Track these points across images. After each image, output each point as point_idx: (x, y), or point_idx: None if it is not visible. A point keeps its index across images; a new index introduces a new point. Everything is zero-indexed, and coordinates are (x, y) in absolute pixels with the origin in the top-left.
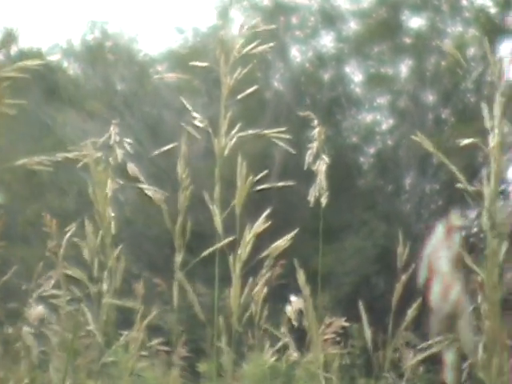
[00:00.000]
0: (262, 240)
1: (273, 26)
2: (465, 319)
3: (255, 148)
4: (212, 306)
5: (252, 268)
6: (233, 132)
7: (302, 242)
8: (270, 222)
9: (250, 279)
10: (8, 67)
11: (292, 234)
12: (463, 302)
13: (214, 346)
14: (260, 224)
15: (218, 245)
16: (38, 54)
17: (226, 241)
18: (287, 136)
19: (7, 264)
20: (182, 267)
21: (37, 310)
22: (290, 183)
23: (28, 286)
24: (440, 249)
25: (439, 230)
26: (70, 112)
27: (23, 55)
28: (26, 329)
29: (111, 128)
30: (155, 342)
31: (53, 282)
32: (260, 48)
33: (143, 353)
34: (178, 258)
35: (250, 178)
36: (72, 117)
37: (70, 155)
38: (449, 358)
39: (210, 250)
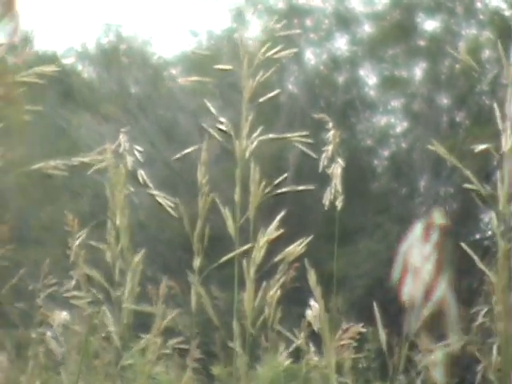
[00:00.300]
0: (277, 242)
1: (296, 31)
2: (451, 318)
3: (270, 151)
4: (226, 309)
5: (266, 272)
6: (254, 135)
7: (316, 244)
8: (283, 229)
9: (264, 283)
10: (24, 72)
11: (307, 239)
12: (448, 301)
13: (227, 349)
14: (273, 229)
15: (237, 251)
16: (53, 58)
17: (245, 247)
18: (309, 140)
19: (19, 267)
20: (199, 271)
21: (61, 316)
22: (309, 187)
23: (35, 286)
24: (416, 246)
25: (418, 227)
26: (84, 115)
27: (38, 59)
28: (49, 333)
29: (121, 136)
30: (174, 341)
31: (73, 282)
32: (283, 53)
33: (161, 355)
34: (196, 262)
35: (264, 182)
36: (87, 120)
37: (85, 159)
38: (437, 356)
39: (228, 256)
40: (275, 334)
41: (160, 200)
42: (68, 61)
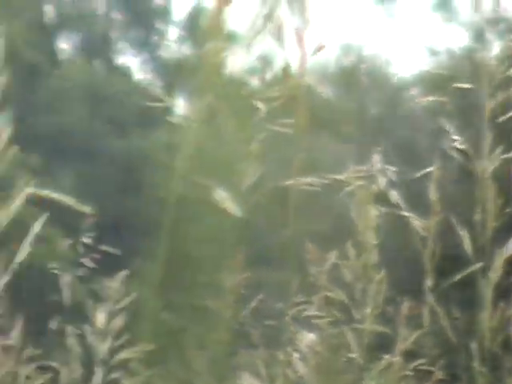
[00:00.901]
0: None
1: None
2: None
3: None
4: (465, 329)
5: (507, 291)
6: (495, 154)
7: None
8: None
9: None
10: (277, 87)
11: None
12: None
13: (470, 370)
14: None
15: (467, 271)
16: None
17: (475, 267)
18: None
19: (259, 288)
20: (432, 290)
21: (308, 337)
22: None
23: (283, 305)
24: None
25: None
26: (324, 134)
27: (278, 79)
28: (295, 355)
29: (374, 156)
30: (417, 363)
31: (316, 305)
32: None
33: (402, 377)
34: (429, 281)
35: (502, 201)
36: (326, 140)
37: (341, 177)
38: None
39: (460, 275)
40: None
41: (414, 222)
42: (308, 80)
